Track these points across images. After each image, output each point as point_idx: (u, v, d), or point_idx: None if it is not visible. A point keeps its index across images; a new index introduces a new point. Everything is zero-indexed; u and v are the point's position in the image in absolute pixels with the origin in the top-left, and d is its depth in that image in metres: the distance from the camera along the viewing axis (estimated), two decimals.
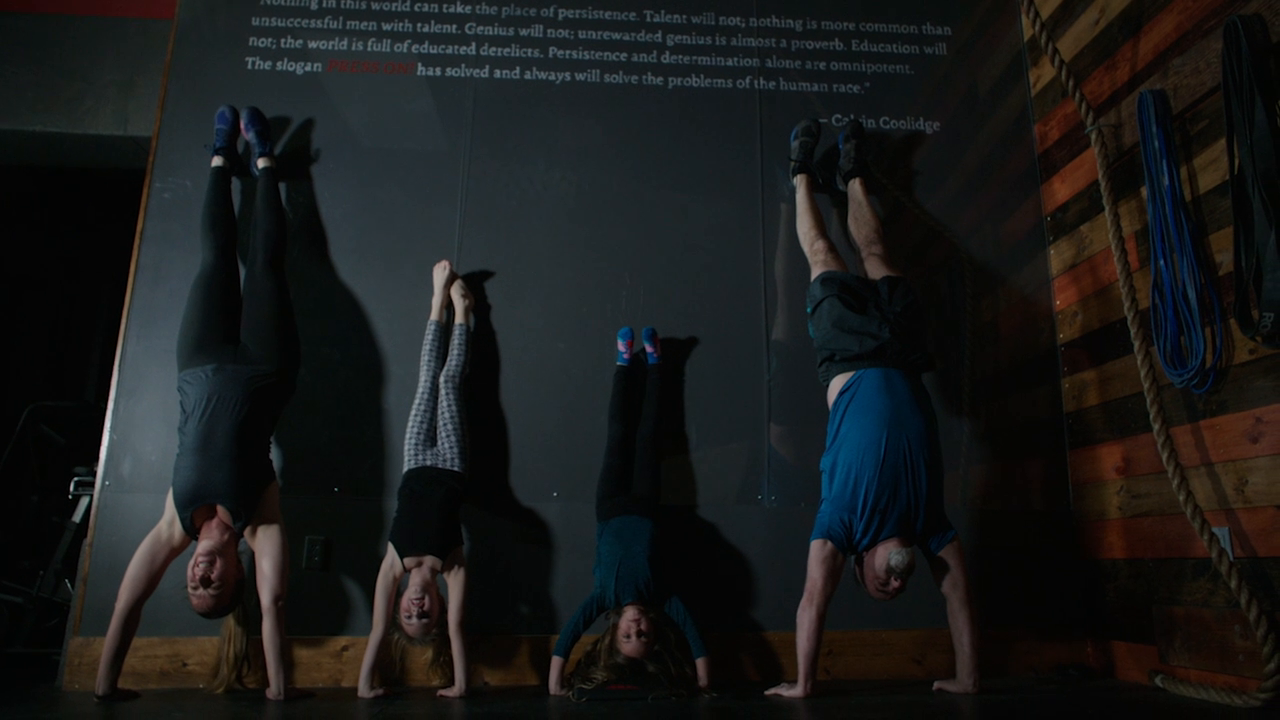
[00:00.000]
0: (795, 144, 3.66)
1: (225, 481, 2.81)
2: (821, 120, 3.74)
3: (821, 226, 3.48)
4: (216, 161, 3.44)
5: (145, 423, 3.30)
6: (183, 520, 2.81)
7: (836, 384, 3.06)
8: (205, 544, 2.78)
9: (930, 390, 3.39)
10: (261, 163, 3.47)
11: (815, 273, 3.32)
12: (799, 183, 3.59)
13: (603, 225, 3.68)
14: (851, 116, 3.82)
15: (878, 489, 2.81)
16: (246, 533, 2.86)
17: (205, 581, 2.73)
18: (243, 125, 3.51)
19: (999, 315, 3.71)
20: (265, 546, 2.86)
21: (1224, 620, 2.69)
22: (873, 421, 2.89)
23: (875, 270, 3.36)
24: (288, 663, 2.86)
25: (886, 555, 2.76)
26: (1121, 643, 3.19)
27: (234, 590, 2.84)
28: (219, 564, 2.76)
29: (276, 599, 2.80)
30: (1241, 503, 2.65)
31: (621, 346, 3.46)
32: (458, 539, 3.04)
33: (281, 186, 3.56)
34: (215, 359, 2.98)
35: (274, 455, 3.28)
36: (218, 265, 3.22)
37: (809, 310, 3.25)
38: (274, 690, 2.78)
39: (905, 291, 3.20)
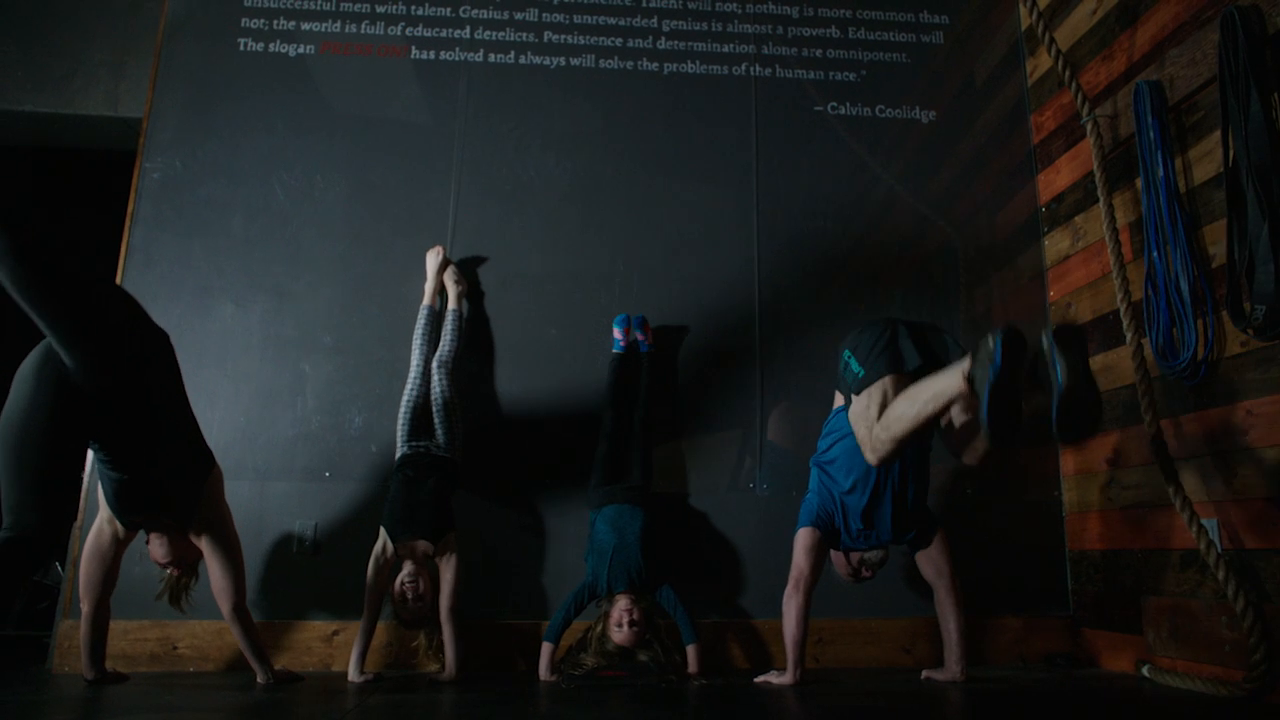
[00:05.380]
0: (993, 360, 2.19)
1: (152, 500, 2.65)
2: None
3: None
4: None
5: None
6: (122, 521, 2.71)
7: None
8: (158, 554, 2.75)
9: None
10: None
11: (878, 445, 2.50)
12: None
13: (597, 212, 3.67)
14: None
15: (864, 512, 2.80)
16: (192, 535, 2.75)
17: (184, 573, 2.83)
18: None
19: (992, 305, 3.71)
20: (213, 557, 2.73)
21: (1211, 611, 2.71)
22: None
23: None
24: (274, 648, 2.85)
25: (860, 553, 2.87)
26: (1109, 633, 3.20)
27: (200, 558, 2.81)
28: (182, 564, 2.80)
29: (235, 608, 2.72)
30: (1230, 494, 2.65)
31: (618, 333, 3.45)
32: (450, 524, 3.03)
33: (274, 172, 3.54)
34: None
35: (265, 440, 3.29)
36: None
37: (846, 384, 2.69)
38: (261, 678, 2.78)
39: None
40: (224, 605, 2.73)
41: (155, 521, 2.72)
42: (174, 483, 2.67)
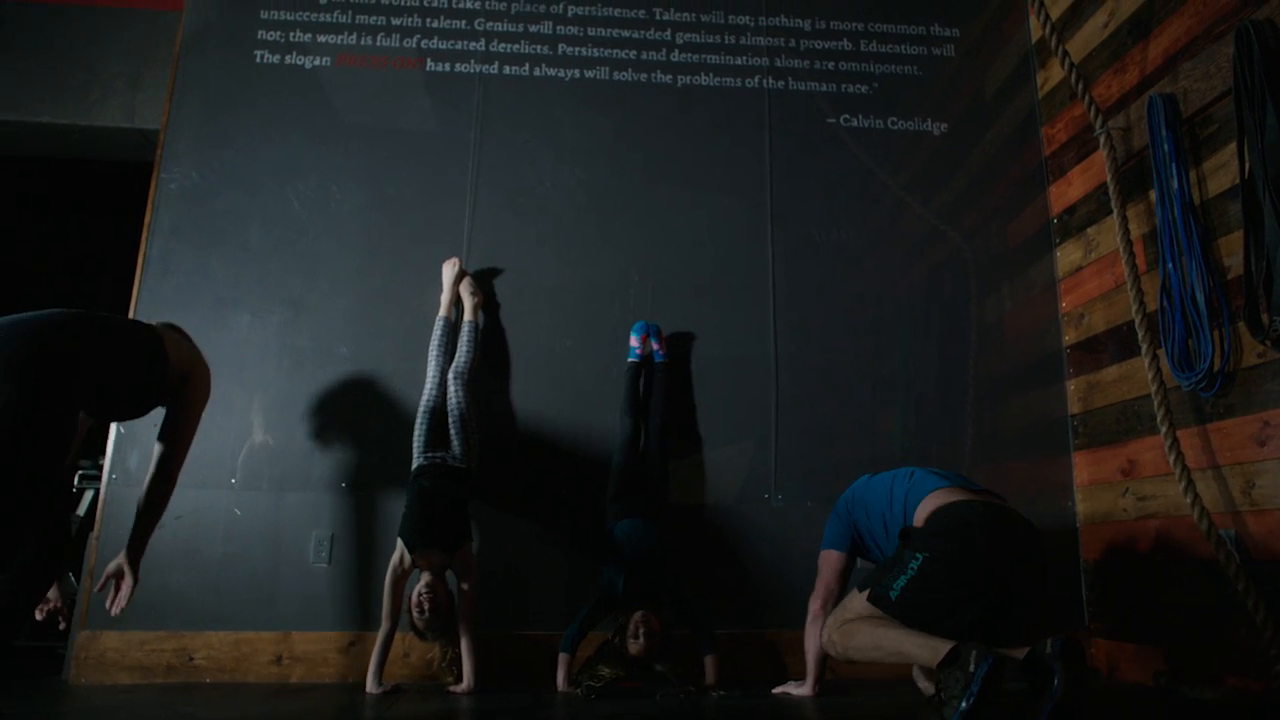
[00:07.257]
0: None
1: (130, 412, 2.59)
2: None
3: None
4: None
5: (152, 416, 3.28)
6: None
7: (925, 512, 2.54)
8: None
9: (934, 392, 3.42)
10: None
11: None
12: None
13: (611, 223, 3.68)
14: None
15: None
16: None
17: None
18: None
19: (1004, 316, 3.72)
20: (171, 407, 2.60)
21: (1230, 622, 2.71)
22: None
23: None
24: (291, 659, 2.84)
25: None
26: (1126, 644, 3.20)
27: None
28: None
29: (169, 467, 2.55)
30: (1248, 505, 2.66)
31: (635, 341, 3.46)
32: (466, 535, 3.03)
33: (290, 183, 3.56)
34: None
35: (281, 451, 3.29)
36: None
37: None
38: (125, 563, 2.50)
39: None
40: (155, 456, 2.56)
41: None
42: (141, 399, 2.54)
